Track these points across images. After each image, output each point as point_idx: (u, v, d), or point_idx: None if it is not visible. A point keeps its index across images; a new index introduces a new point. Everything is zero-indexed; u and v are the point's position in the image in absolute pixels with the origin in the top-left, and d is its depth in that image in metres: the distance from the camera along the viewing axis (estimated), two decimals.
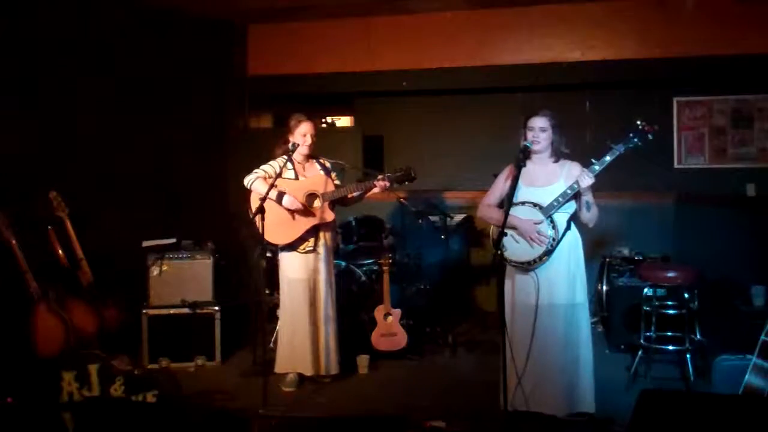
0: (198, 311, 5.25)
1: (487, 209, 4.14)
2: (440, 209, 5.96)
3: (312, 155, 4.82)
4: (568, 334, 3.90)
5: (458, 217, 6.20)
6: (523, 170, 3.85)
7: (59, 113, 5.23)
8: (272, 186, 4.47)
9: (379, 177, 4.73)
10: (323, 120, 8.56)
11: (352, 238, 5.89)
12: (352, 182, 4.99)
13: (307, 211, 4.67)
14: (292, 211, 4.66)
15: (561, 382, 3.90)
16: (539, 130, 3.93)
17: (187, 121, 6.19)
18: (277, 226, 4.65)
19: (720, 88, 6.47)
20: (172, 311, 5.24)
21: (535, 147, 3.93)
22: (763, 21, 5.81)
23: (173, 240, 5.43)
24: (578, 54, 6.28)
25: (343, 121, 8.59)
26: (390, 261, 5.41)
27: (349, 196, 4.80)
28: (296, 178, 4.75)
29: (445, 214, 5.89)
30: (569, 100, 6.54)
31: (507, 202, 3.82)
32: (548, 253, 3.86)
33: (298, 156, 4.76)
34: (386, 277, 5.37)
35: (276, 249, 4.93)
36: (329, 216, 4.72)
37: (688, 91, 6.55)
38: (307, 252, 4.71)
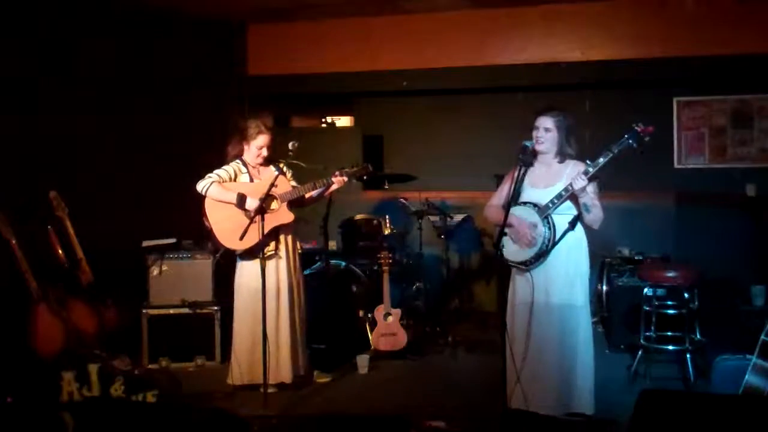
0: (198, 311, 5.26)
1: (489, 209, 4.17)
2: (440, 209, 5.96)
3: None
4: (565, 335, 3.88)
5: (458, 217, 6.21)
6: (530, 170, 3.86)
7: (59, 113, 5.22)
8: (271, 187, 4.36)
9: (336, 173, 4.62)
10: (323, 120, 8.55)
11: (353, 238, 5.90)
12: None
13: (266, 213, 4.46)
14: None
15: (557, 382, 3.88)
16: (543, 130, 3.91)
17: (187, 121, 6.19)
18: (235, 232, 4.41)
19: (720, 88, 6.47)
20: (172, 311, 5.25)
21: (538, 147, 3.92)
22: (763, 21, 5.80)
23: (173, 240, 5.43)
24: (578, 54, 6.27)
25: (343, 121, 8.59)
26: (390, 261, 5.41)
27: (307, 195, 4.65)
28: (251, 181, 4.61)
29: (445, 214, 5.89)
30: (569, 100, 6.53)
31: (507, 203, 3.83)
32: (542, 254, 3.85)
33: (251, 160, 4.64)
34: (386, 277, 5.37)
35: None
36: (288, 217, 4.54)
37: (688, 91, 6.54)
38: (269, 257, 4.49)
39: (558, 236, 3.85)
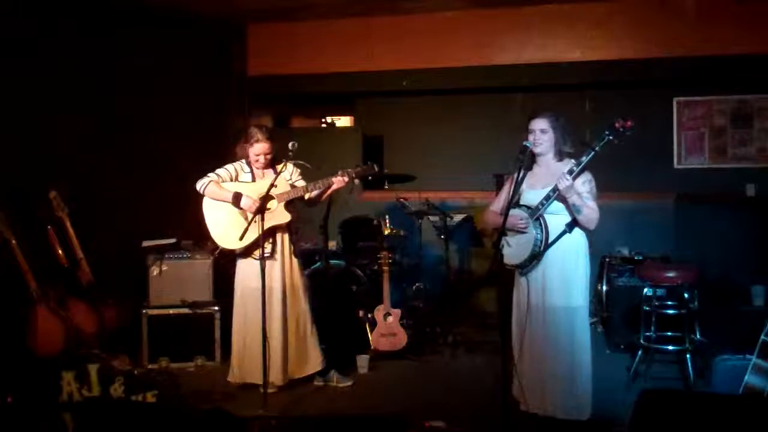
0: (198, 311, 5.26)
1: (488, 214, 4.20)
2: (440, 209, 5.96)
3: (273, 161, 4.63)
4: (560, 338, 3.86)
5: (458, 217, 6.19)
6: (529, 173, 3.89)
7: (59, 113, 5.22)
8: (270, 187, 4.35)
9: (339, 172, 4.56)
10: (323, 120, 8.56)
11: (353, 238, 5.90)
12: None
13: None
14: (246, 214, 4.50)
15: (550, 384, 3.88)
16: (540, 132, 3.91)
17: (187, 120, 6.19)
18: (231, 230, 4.49)
19: (720, 88, 6.47)
20: (172, 311, 5.24)
21: (536, 149, 3.92)
22: (763, 21, 5.81)
23: (173, 240, 5.43)
24: (578, 54, 6.28)
25: (343, 121, 8.59)
26: (390, 261, 5.40)
27: (307, 196, 4.59)
28: (253, 180, 4.62)
29: (445, 214, 5.88)
30: (569, 100, 6.54)
31: (506, 205, 3.82)
32: (536, 256, 3.85)
33: (252, 163, 4.63)
34: (386, 277, 5.37)
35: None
36: (285, 217, 4.52)
37: (688, 91, 6.55)
38: (263, 259, 4.36)
39: (552, 238, 3.85)
